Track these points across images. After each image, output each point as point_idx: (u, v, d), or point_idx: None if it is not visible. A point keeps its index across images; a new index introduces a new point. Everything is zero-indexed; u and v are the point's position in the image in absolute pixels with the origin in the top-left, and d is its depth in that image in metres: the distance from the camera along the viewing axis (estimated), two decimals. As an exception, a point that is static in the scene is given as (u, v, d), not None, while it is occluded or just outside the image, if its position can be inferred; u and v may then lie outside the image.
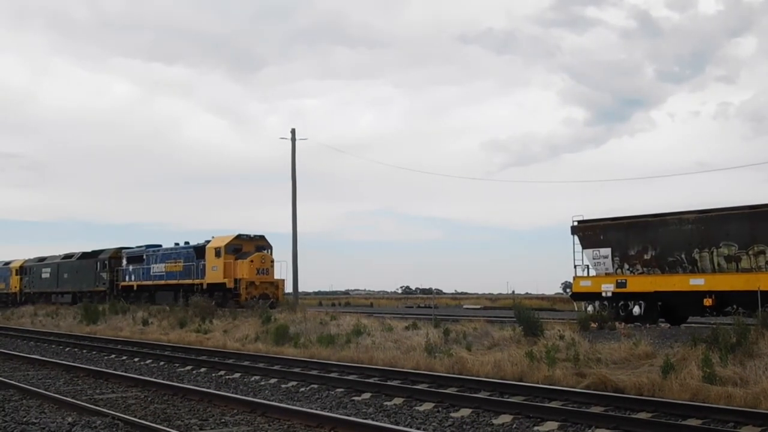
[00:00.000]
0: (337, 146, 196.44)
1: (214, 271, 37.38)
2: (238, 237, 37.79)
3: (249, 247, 37.61)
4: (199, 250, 38.94)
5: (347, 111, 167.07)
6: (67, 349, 24.41)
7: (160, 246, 43.88)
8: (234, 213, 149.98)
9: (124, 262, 45.13)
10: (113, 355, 21.75)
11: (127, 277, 44.54)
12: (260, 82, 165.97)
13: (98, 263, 47.29)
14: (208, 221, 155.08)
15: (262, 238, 38.64)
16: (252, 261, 36.45)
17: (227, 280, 36.43)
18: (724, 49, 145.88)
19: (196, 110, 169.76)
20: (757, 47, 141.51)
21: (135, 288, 43.61)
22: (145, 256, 43.36)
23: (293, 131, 43.89)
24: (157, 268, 41.95)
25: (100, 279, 46.72)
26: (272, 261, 37.65)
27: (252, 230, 38.94)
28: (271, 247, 38.41)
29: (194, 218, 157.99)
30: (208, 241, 38.86)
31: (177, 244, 42.25)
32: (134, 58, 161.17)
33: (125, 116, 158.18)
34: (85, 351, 23.43)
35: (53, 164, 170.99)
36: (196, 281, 38.58)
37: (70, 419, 10.36)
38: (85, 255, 49.56)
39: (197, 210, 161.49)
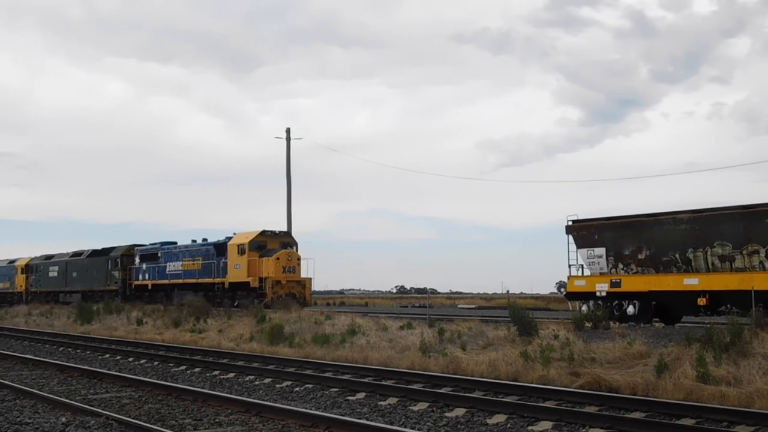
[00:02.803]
0: (332, 146, 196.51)
1: (236, 270, 35.72)
2: (263, 233, 36.23)
3: (274, 243, 36.10)
4: (220, 248, 37.26)
5: (342, 111, 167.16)
6: (61, 348, 24.37)
7: (176, 243, 42.07)
8: (229, 212, 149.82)
9: (137, 260, 43.28)
10: (107, 355, 21.72)
11: (140, 276, 42.85)
12: (255, 82, 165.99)
13: (109, 261, 45.71)
14: (203, 221, 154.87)
15: (287, 234, 37.43)
16: (278, 259, 34.83)
17: (251, 279, 34.81)
18: (719, 50, 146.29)
19: (191, 110, 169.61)
20: (751, 47, 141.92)
21: (150, 287, 41.86)
22: (160, 254, 41.62)
23: (288, 131, 44.07)
24: (173, 266, 40.26)
25: (112, 278, 45.16)
26: (299, 258, 36.05)
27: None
28: (296, 244, 36.95)
29: (189, 218, 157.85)
30: (229, 238, 37.19)
31: (194, 241, 40.57)
32: (128, 57, 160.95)
33: (120, 116, 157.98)
34: (79, 351, 23.39)
35: (48, 163, 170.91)
36: (217, 280, 36.88)
37: (63, 419, 10.35)
38: (95, 252, 47.90)
39: (192, 210, 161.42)
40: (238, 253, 35.72)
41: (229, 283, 36.19)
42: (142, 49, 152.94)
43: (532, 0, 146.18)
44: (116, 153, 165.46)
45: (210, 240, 39.22)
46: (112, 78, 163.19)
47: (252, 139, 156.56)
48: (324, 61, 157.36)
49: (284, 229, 38.15)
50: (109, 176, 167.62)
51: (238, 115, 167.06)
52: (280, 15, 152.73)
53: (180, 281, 39.58)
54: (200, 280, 38.04)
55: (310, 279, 36.19)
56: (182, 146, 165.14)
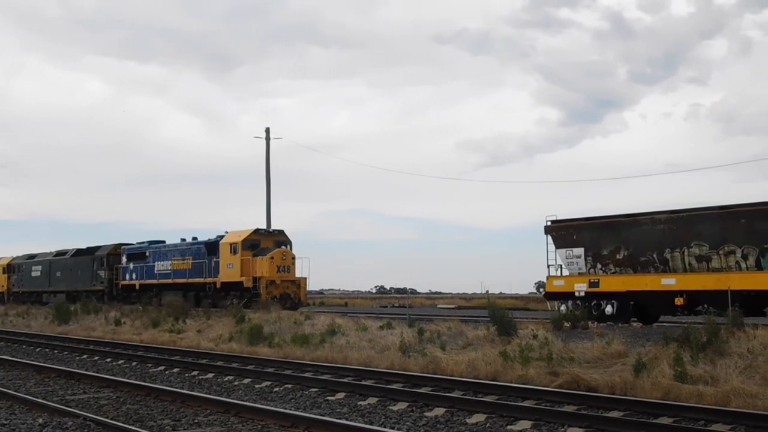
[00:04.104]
0: (312, 146, 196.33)
1: (229, 269, 34.89)
2: (256, 232, 35.68)
3: (267, 242, 35.35)
4: (211, 246, 36.44)
5: (322, 111, 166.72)
6: (38, 349, 24.16)
7: (164, 242, 41.20)
8: (209, 212, 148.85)
9: (124, 259, 42.33)
10: (85, 356, 21.56)
11: (127, 276, 41.91)
12: (235, 82, 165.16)
13: (95, 261, 44.77)
14: (184, 220, 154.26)
15: (281, 233, 36.52)
16: (272, 258, 34.05)
17: (245, 279, 34.01)
18: (696, 51, 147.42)
19: (171, 109, 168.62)
20: (727, 49, 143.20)
21: (137, 287, 40.96)
22: (148, 253, 40.70)
23: (267, 130, 43.92)
24: (162, 265, 39.35)
25: (98, 277, 44.24)
26: (293, 257, 35.27)
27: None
28: (290, 243, 36.16)
29: (170, 217, 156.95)
30: (220, 236, 36.40)
31: (183, 239, 39.72)
32: (107, 56, 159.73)
33: (99, 115, 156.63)
34: (56, 351, 23.21)
35: (29, 162, 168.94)
36: (209, 280, 35.98)
37: (41, 420, 10.25)
38: (79, 252, 46.94)
39: (172, 209, 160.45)
40: (231, 252, 34.90)
41: (221, 282, 35.40)
42: (121, 48, 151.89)
43: (511, 1, 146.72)
44: (96, 152, 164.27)
45: (200, 239, 38.37)
46: (91, 77, 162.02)
47: (233, 139, 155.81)
48: (304, 60, 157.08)
49: (278, 227, 37.38)
50: (90, 175, 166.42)
51: (219, 115, 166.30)
52: (260, 14, 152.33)
53: (169, 281, 38.65)
54: (191, 280, 37.15)
55: (305, 278, 35.50)
56: (163, 146, 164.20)
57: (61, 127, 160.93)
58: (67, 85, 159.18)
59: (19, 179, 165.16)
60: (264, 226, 39.84)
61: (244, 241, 34.79)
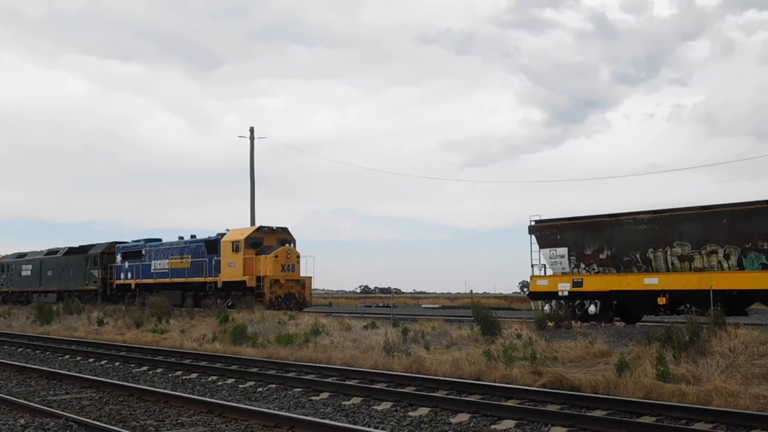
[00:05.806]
0: (296, 145, 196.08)
1: (231, 268, 33.82)
2: (259, 229, 34.74)
3: (271, 240, 34.29)
4: (211, 245, 35.39)
5: (306, 110, 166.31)
6: (20, 349, 24.00)
7: (161, 240, 40.28)
8: (192, 211, 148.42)
9: (119, 258, 41.21)
10: (67, 356, 21.44)
11: (122, 275, 40.75)
12: (218, 81, 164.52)
13: (88, 259, 43.83)
14: (167, 219, 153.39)
15: (285, 230, 35.36)
16: (276, 256, 33.03)
17: (248, 278, 32.88)
18: (678, 52, 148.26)
19: (153, 108, 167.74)
20: (709, 50, 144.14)
21: (133, 287, 39.67)
22: (144, 252, 39.61)
23: (251, 129, 43.80)
24: (159, 264, 38.23)
25: (91, 277, 43.27)
26: (298, 256, 34.23)
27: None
28: (294, 241, 35.16)
29: (153, 216, 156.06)
30: (221, 234, 35.48)
31: (181, 237, 38.70)
32: (89, 54, 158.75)
33: (81, 114, 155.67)
34: (38, 351, 23.06)
35: (7, 161, 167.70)
36: (209, 279, 34.94)
37: (22, 421, 10.19)
38: (71, 250, 46.00)
39: (156, 208, 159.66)
40: (233, 250, 33.96)
41: (223, 282, 34.46)
42: (102, 47, 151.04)
43: (495, 1, 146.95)
44: (77, 151, 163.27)
45: (199, 236, 37.48)
46: (72, 75, 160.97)
47: (216, 138, 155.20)
48: (287, 60, 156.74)
49: (282, 224, 36.61)
50: (70, 175, 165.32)
51: (203, 114, 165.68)
52: (243, 13, 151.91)
53: (167, 280, 37.57)
54: (190, 279, 36.25)
55: (310, 278, 34.63)
56: (146, 145, 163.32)
57: (42, 125, 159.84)
58: (48, 83, 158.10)
59: (1, 178, 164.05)
60: (268, 224, 39.02)
61: (246, 239, 33.88)
